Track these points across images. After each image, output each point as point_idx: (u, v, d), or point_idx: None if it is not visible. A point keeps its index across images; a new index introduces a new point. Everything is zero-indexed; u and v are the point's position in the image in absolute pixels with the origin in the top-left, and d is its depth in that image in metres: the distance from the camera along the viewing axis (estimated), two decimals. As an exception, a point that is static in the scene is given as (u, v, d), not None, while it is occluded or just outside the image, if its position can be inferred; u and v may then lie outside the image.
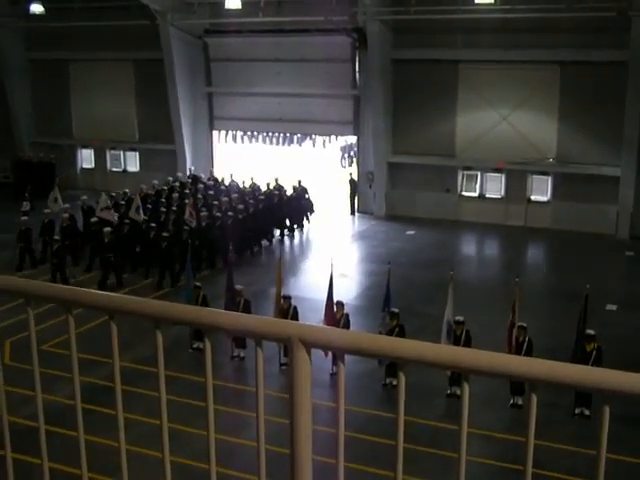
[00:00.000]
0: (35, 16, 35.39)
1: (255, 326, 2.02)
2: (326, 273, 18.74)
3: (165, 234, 24.45)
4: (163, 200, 29.16)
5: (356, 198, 34.91)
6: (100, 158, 40.06)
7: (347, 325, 17.26)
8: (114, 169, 39.75)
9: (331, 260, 18.94)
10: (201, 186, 32.04)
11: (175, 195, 29.98)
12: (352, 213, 34.79)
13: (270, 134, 53.52)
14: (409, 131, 32.98)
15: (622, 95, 28.43)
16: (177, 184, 32.66)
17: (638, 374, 1.66)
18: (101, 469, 8.70)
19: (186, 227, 25.39)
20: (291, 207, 31.00)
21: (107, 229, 24.62)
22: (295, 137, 54.18)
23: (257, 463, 2.10)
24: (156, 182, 32.22)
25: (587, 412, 15.27)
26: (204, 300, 18.84)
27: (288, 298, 18.13)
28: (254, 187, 31.79)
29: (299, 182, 31.98)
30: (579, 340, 15.98)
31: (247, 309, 17.91)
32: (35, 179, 36.66)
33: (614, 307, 21.89)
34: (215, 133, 38.10)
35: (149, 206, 28.41)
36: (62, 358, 13.72)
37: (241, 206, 28.06)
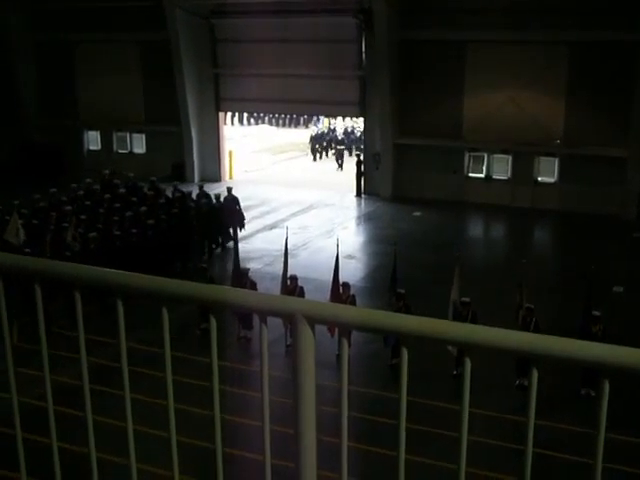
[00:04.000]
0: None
1: (259, 302, 2.03)
2: (333, 254, 18.76)
3: None
4: (53, 214, 23.93)
5: (362, 179, 34.84)
6: (106, 140, 40.04)
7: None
8: (120, 151, 39.73)
9: (337, 241, 18.96)
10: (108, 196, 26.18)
11: (68, 208, 24.50)
12: (358, 195, 34.73)
13: (276, 115, 53.61)
14: (416, 112, 32.84)
15: (629, 76, 28.27)
16: (81, 193, 27.15)
17: (637, 349, 1.66)
18: (114, 450, 8.73)
19: (68, 253, 20.43)
20: (218, 219, 26.03)
21: None
22: (301, 118, 54.20)
23: (262, 442, 2.12)
24: (89, 180, 28.49)
25: (593, 393, 15.28)
26: (211, 282, 18.91)
27: (295, 279, 18.17)
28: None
29: (229, 190, 27.64)
30: (585, 321, 16.00)
31: (253, 290, 17.94)
32: (41, 162, 36.72)
33: (620, 288, 21.86)
34: (221, 115, 37.98)
35: (35, 222, 23.42)
36: (76, 339, 13.74)
37: (151, 221, 23.35)
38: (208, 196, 27.17)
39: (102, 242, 21.44)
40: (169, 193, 27.65)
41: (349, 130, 49.42)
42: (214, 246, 26.10)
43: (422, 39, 31.70)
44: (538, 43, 30.17)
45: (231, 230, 25.94)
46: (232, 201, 27.27)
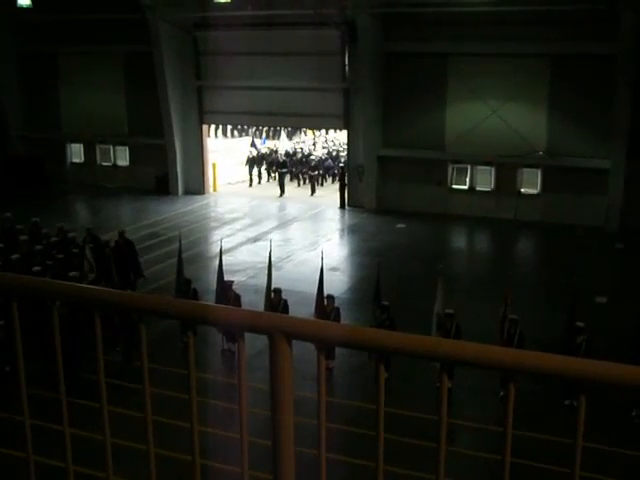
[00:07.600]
0: (22, 9, 35.09)
1: (235, 318, 2.02)
2: (317, 266, 18.75)
3: None
4: None
5: (346, 191, 34.87)
6: (90, 152, 39.89)
7: (337, 318, 17.26)
8: (104, 163, 39.58)
9: (321, 253, 18.98)
10: None
11: None
12: (342, 207, 34.75)
13: (260, 128, 53.67)
14: (399, 124, 32.96)
15: (611, 87, 28.50)
16: None
17: (618, 364, 1.67)
18: (92, 464, 8.66)
19: None
20: (106, 268, 20.55)
21: None
22: (286, 130, 54.17)
23: (240, 455, 2.10)
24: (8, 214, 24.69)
25: (576, 404, 15.27)
26: (195, 294, 18.84)
27: (279, 292, 18.13)
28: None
29: (120, 234, 23.36)
30: (568, 332, 16.06)
31: (237, 303, 17.90)
32: (21, 175, 36.52)
33: (604, 299, 21.96)
34: (205, 127, 37.96)
35: None
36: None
37: (37, 268, 19.41)
38: (96, 240, 22.97)
39: None
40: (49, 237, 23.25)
41: (291, 152, 44.31)
42: None
43: (405, 51, 31.87)
44: (520, 56, 30.39)
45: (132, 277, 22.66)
46: (125, 246, 23.03)
